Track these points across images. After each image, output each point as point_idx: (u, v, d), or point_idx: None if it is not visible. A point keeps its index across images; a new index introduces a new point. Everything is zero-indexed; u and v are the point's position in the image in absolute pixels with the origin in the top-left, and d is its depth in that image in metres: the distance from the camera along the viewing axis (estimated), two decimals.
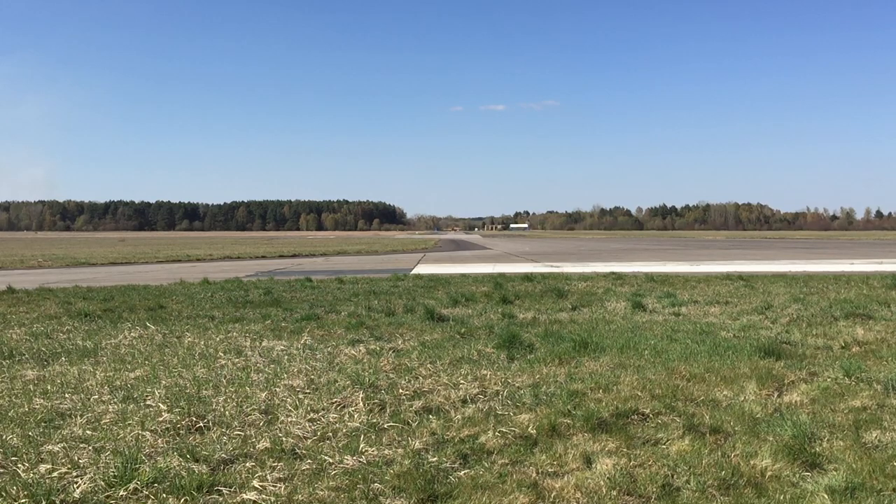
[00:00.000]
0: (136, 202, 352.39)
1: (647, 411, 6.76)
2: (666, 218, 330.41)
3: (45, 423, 6.70)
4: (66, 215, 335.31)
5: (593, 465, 5.45)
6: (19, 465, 5.49)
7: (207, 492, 5.02)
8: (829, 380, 7.96)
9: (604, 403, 7.01)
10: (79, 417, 6.84)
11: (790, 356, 9.27)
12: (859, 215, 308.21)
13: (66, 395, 7.70)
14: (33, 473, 5.33)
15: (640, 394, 7.39)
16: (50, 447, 5.92)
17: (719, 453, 5.66)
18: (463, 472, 5.35)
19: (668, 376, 8.17)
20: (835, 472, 5.21)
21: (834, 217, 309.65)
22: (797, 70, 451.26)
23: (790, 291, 17.62)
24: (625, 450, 5.78)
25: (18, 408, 7.23)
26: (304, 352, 10.07)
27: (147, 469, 5.31)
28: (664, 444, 5.94)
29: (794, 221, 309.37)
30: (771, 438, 5.94)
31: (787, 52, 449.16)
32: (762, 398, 7.27)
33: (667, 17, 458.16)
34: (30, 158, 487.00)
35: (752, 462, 5.46)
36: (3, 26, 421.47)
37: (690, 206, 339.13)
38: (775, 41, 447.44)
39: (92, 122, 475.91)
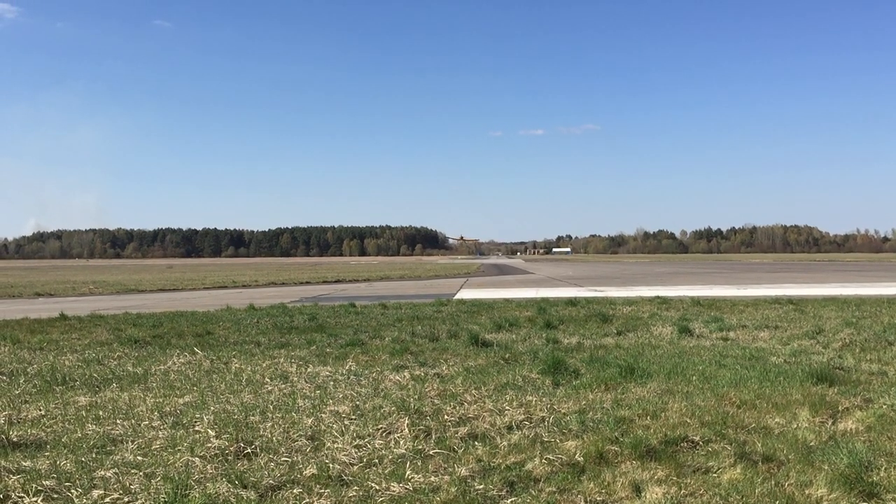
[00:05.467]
0: (184, 229, 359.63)
1: (697, 439, 6.64)
2: (711, 241, 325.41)
3: (98, 448, 6.82)
4: (116, 243, 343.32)
5: (643, 494, 5.37)
6: (73, 491, 5.59)
7: None
8: (885, 406, 7.74)
9: (652, 430, 6.91)
10: (130, 443, 6.96)
11: (844, 382, 9.04)
12: None
13: (118, 421, 7.84)
14: (86, 499, 5.43)
15: (688, 420, 7.27)
16: (102, 473, 6.02)
17: (772, 482, 5.54)
18: (510, 500, 5.31)
19: (717, 403, 8.02)
20: (893, 503, 5.05)
21: (886, 238, 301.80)
22: (845, 89, 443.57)
23: (842, 315, 17.21)
24: (675, 478, 5.68)
25: (72, 434, 7.38)
26: (349, 378, 10.11)
27: (197, 495, 5.38)
28: (715, 472, 5.83)
29: (844, 244, 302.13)
30: (826, 467, 5.79)
31: (835, 72, 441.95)
32: (816, 425, 7.09)
33: (707, 39, 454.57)
34: (81, 186, 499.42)
35: (806, 491, 5.33)
36: (55, 56, 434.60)
37: (736, 228, 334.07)
38: (823, 62, 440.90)
39: (140, 151, 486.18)
